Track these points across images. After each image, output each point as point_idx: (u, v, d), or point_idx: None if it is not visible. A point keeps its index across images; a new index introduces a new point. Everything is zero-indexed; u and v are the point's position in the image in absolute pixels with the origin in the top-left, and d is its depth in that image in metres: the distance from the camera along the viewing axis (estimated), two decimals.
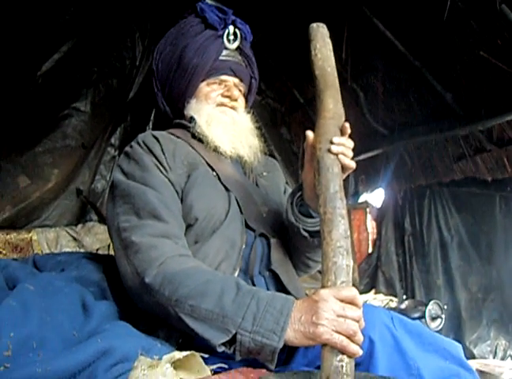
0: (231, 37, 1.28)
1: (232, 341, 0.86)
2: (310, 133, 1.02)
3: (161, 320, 0.98)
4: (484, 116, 2.44)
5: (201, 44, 1.25)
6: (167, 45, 1.30)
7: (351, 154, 0.97)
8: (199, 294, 0.90)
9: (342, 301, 0.81)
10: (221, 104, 1.27)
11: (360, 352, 0.79)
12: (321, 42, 1.02)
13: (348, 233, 0.85)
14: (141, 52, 3.50)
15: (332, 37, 1.05)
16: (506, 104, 2.30)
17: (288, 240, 1.23)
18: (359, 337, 0.80)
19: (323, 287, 0.83)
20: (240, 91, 1.32)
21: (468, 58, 2.38)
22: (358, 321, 0.81)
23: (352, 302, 0.81)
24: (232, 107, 1.28)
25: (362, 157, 3.39)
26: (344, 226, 0.85)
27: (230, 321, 0.85)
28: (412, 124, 3.02)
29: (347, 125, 0.98)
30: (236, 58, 1.30)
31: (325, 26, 1.05)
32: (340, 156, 0.94)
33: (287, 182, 1.48)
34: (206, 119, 1.24)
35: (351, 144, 0.97)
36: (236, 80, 1.30)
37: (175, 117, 1.34)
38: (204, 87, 1.28)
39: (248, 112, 1.34)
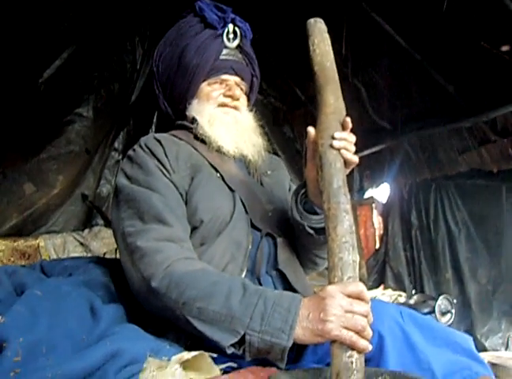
0: (231, 36, 1.26)
1: (241, 342, 0.86)
2: (311, 129, 1.01)
3: (170, 322, 0.97)
4: (488, 107, 2.42)
5: (201, 44, 1.23)
6: (167, 46, 1.29)
7: (353, 148, 0.96)
8: (206, 296, 0.89)
9: (349, 296, 0.80)
10: (223, 104, 1.26)
11: (370, 347, 0.78)
12: (319, 37, 1.01)
13: (354, 228, 0.84)
14: (141, 55, 3.50)
15: (331, 33, 1.04)
16: (509, 94, 2.28)
17: (294, 238, 1.22)
18: (368, 332, 0.79)
19: (330, 283, 0.82)
20: (242, 90, 1.31)
21: (469, 49, 2.36)
22: (366, 316, 0.80)
23: (359, 297, 0.81)
24: (234, 107, 1.27)
25: (366, 153, 3.38)
26: (349, 221, 0.85)
27: (238, 322, 0.85)
28: (415, 118, 3.01)
29: (348, 119, 0.97)
30: (237, 56, 1.29)
31: (322, 21, 1.04)
32: (343, 151, 0.93)
33: (291, 180, 1.47)
34: (208, 119, 1.23)
35: (353, 138, 0.96)
36: (237, 79, 1.29)
37: (177, 118, 1.32)
38: (205, 87, 1.26)
39: (250, 110, 1.33)
